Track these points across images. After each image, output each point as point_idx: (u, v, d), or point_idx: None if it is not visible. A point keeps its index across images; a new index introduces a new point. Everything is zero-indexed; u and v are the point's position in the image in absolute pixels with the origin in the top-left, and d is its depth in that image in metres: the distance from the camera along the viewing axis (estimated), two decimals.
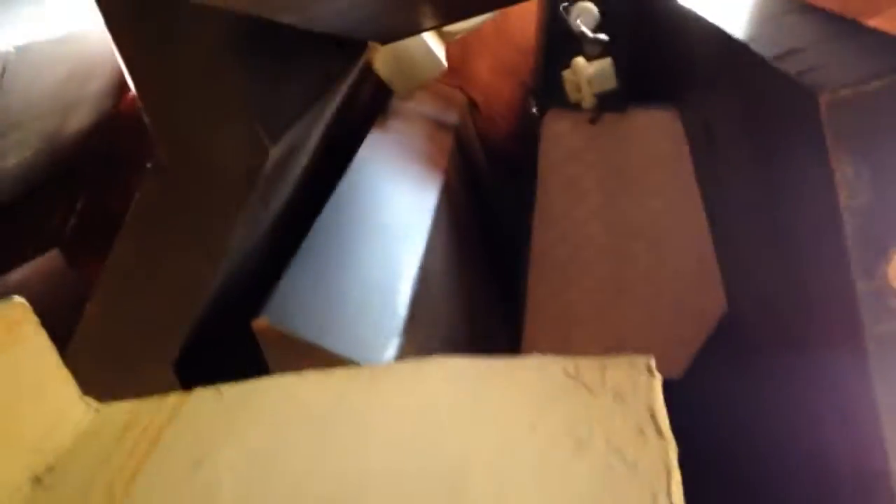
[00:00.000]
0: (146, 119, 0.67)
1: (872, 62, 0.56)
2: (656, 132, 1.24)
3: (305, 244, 0.79)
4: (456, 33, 1.27)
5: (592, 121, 1.23)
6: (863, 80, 0.53)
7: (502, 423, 0.40)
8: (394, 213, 0.94)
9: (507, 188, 1.62)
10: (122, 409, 0.48)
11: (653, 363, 0.44)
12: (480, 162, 1.58)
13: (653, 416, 0.40)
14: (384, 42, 1.07)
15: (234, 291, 0.80)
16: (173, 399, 0.48)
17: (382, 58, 1.16)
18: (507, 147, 1.64)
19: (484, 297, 1.32)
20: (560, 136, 1.24)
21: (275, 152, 0.69)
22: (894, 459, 0.61)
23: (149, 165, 0.69)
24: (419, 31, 1.10)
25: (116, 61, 1.43)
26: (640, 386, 0.42)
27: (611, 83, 1.17)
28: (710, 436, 1.09)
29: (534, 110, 1.25)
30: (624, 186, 1.28)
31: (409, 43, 1.16)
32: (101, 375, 0.75)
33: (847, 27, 0.66)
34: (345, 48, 0.97)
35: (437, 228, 0.96)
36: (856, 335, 0.60)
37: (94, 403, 0.49)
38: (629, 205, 1.28)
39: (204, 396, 0.47)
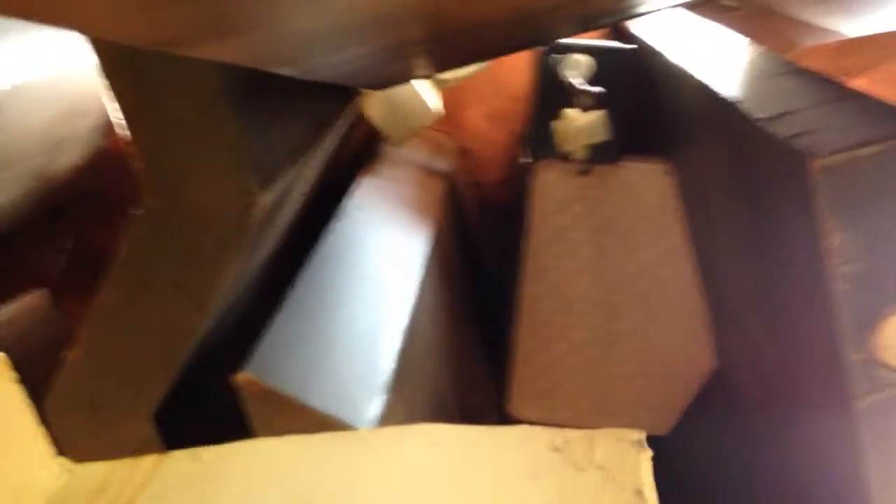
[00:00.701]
0: (137, 162, 0.67)
1: (865, 128, 0.56)
2: (647, 185, 1.25)
3: (292, 295, 0.78)
4: (449, 81, 1.28)
5: (583, 172, 1.23)
6: (855, 145, 0.53)
7: (488, 496, 0.39)
8: (383, 264, 0.93)
9: (498, 237, 1.62)
10: (95, 471, 0.47)
11: (642, 437, 0.43)
12: (471, 209, 1.59)
13: (640, 495, 0.39)
14: (378, 89, 1.08)
15: (218, 342, 0.80)
16: (148, 462, 0.47)
17: (375, 104, 1.16)
18: (498, 195, 1.65)
19: (471, 349, 1.31)
20: (551, 185, 1.24)
21: (265, 201, 0.68)
22: None
23: (137, 210, 0.69)
24: (412, 78, 1.11)
25: (107, 100, 1.43)
26: (629, 462, 0.41)
27: (603, 135, 1.18)
28: (697, 494, 1.08)
29: (525, 159, 1.26)
30: (614, 239, 1.28)
31: (403, 90, 1.17)
32: (79, 424, 0.74)
33: (839, 91, 0.66)
34: (337, 95, 0.97)
35: (426, 280, 0.95)
36: (844, 405, 0.59)
37: (67, 464, 0.48)
38: (619, 257, 1.28)
39: (180, 460, 0.46)
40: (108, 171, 1.52)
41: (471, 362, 1.29)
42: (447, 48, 0.85)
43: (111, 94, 0.67)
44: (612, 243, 1.28)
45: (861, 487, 0.60)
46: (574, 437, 0.43)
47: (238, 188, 0.67)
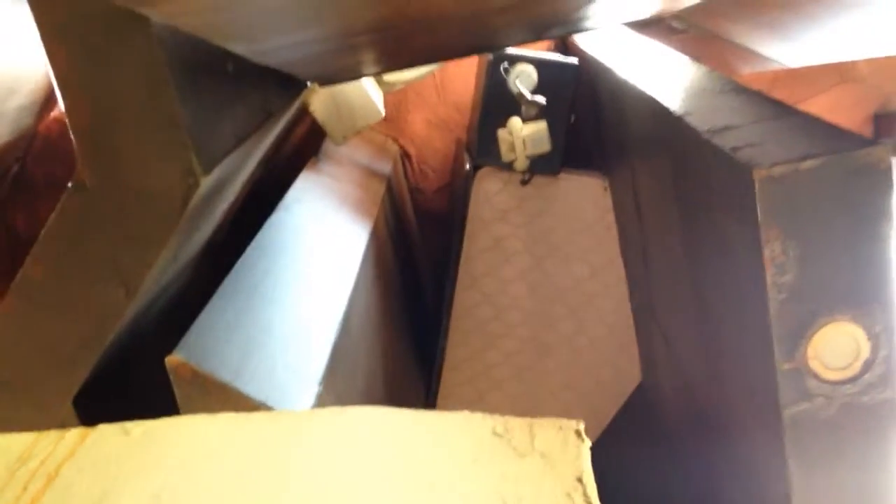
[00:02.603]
0: (72, 135, 0.65)
1: (806, 142, 0.58)
2: (584, 198, 1.27)
3: (228, 282, 0.76)
4: (395, 84, 1.28)
5: (524, 182, 1.25)
6: (797, 158, 0.55)
7: (429, 478, 0.39)
8: (320, 258, 0.92)
9: (435, 243, 1.62)
10: (17, 441, 0.45)
11: (581, 427, 0.44)
12: (409, 214, 1.58)
13: (581, 482, 0.39)
14: (324, 84, 1.07)
15: (147, 326, 0.77)
16: (74, 434, 0.45)
17: (320, 101, 1.16)
18: (437, 202, 1.65)
19: (403, 351, 1.30)
20: (490, 194, 1.25)
21: (206, 182, 0.67)
22: None
23: (70, 184, 0.66)
24: (359, 76, 1.10)
25: (41, 80, 1.38)
26: (570, 450, 0.41)
27: (544, 146, 1.19)
28: None
29: (467, 167, 1.26)
30: (550, 250, 1.29)
31: (348, 88, 1.16)
32: None
33: (780, 108, 0.68)
34: (285, 86, 0.96)
35: (362, 277, 0.94)
36: (771, 413, 0.61)
37: None
38: (554, 269, 1.30)
39: (108, 433, 0.45)
40: (34, 153, 1.47)
41: (402, 363, 1.28)
42: (395, 45, 0.84)
43: (49, 63, 0.65)
44: (547, 255, 1.29)
45: (785, 494, 0.62)
46: (515, 423, 0.43)
47: (181, 168, 0.65)
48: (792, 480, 0.60)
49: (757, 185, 0.55)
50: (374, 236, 1.08)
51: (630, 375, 1.30)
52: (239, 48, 0.62)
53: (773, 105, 0.70)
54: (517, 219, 1.28)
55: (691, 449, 0.98)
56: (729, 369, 0.73)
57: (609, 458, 1.21)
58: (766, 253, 0.56)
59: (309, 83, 1.08)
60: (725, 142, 0.63)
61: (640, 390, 1.29)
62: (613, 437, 1.30)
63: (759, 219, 0.56)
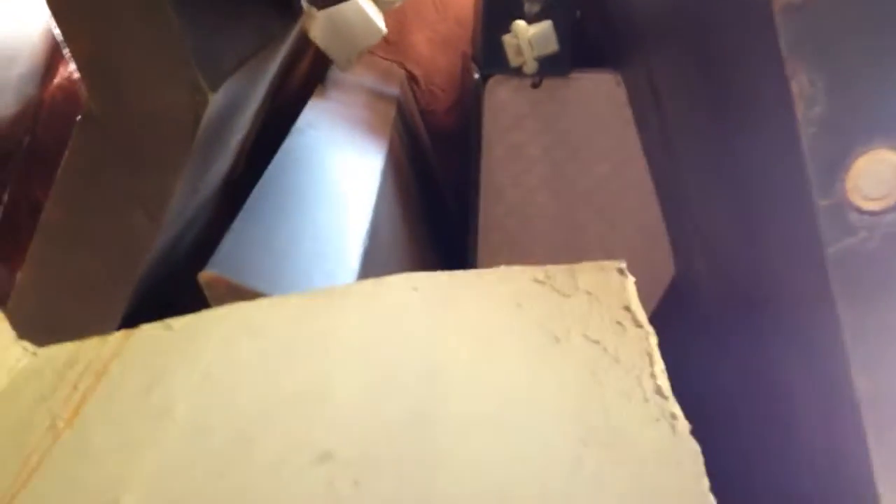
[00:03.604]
0: (76, 67, 0.64)
1: None
2: (599, 96, 1.24)
3: (252, 200, 0.76)
4: (393, 1, 1.25)
5: (535, 85, 1.22)
6: None
7: (475, 326, 0.38)
8: (340, 174, 0.92)
9: (450, 162, 1.60)
10: (62, 349, 0.45)
11: (623, 265, 0.43)
12: (422, 135, 1.57)
13: (629, 310, 0.38)
14: (320, 7, 1.05)
15: (178, 253, 0.77)
16: (119, 335, 0.45)
17: (320, 26, 1.14)
18: (448, 121, 1.63)
19: (432, 264, 1.30)
20: (503, 102, 1.23)
21: (216, 100, 0.66)
22: (859, 380, 0.61)
23: (79, 118, 0.66)
24: None
25: (40, 46, 1.37)
26: (613, 285, 0.41)
27: (552, 46, 1.17)
28: None
29: (475, 77, 1.24)
30: (570, 153, 1.27)
31: (346, 9, 1.14)
32: (39, 346, 0.71)
33: None
34: (281, 9, 0.94)
35: (384, 190, 0.94)
36: (814, 256, 0.59)
37: (31, 347, 0.46)
38: (576, 172, 1.28)
39: (151, 330, 0.45)
40: (43, 121, 1.46)
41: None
42: None
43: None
44: (567, 158, 1.27)
45: (834, 339, 0.61)
46: (555, 270, 0.42)
47: (186, 87, 0.65)
48: (842, 321, 0.60)
49: (777, 16, 0.53)
50: (390, 154, 1.08)
51: (664, 269, 1.29)
52: None
53: None
54: (533, 124, 1.26)
55: (735, 328, 0.97)
56: (765, 225, 0.72)
57: None
58: (794, 87, 0.54)
59: (305, 6, 1.06)
60: None
61: (674, 283, 1.28)
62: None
63: (783, 52, 0.54)
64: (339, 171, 0.93)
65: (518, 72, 1.19)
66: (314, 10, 1.09)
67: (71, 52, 0.64)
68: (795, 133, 0.55)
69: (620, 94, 1.24)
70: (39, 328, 0.71)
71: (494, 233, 1.31)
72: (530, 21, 1.17)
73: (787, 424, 0.82)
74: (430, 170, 1.54)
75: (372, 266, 0.77)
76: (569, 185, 1.29)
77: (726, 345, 1.03)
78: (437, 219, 1.45)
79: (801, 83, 0.54)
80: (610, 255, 1.23)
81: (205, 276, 0.63)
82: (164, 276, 0.76)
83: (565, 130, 1.26)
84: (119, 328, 0.71)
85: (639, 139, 1.25)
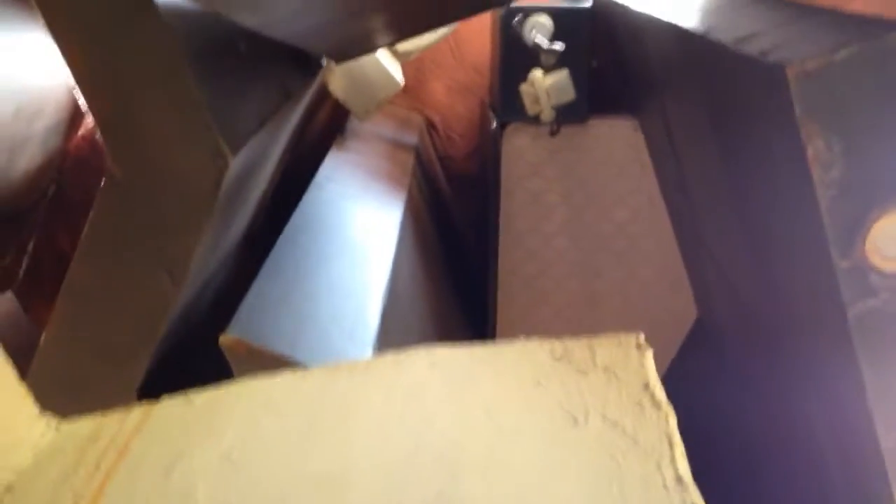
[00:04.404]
0: (98, 131, 0.65)
1: (835, 35, 0.56)
2: (616, 142, 1.25)
3: (271, 259, 0.77)
4: (411, 53, 1.27)
5: (552, 133, 1.23)
6: (828, 50, 0.53)
7: (494, 405, 0.38)
8: (359, 228, 0.92)
9: (471, 209, 1.61)
10: (85, 424, 0.45)
11: (642, 338, 0.43)
12: (441, 182, 1.58)
13: (648, 389, 0.38)
14: (339, 60, 1.07)
15: (198, 311, 0.78)
16: (140, 410, 0.45)
17: (338, 79, 1.15)
18: (466, 166, 1.64)
19: (452, 315, 1.30)
20: (521, 150, 1.24)
21: (236, 162, 0.67)
22: (884, 436, 0.60)
23: (103, 180, 0.67)
24: (372, 48, 1.10)
25: (65, 99, 1.40)
26: (632, 361, 0.40)
27: (569, 94, 1.17)
28: (694, 446, 1.08)
29: (493, 126, 1.25)
30: (588, 199, 1.28)
31: (365, 63, 1.16)
32: (61, 406, 0.72)
33: (805, 9, 0.66)
34: (300, 65, 0.96)
35: (403, 243, 0.94)
36: (835, 314, 0.59)
37: (54, 422, 0.47)
38: (595, 217, 1.29)
39: (172, 405, 0.45)
40: (68, 172, 1.49)
41: (453, 328, 1.28)
42: (403, 7, 0.84)
43: (65, 62, 0.65)
44: (586, 204, 1.28)
45: (858, 397, 0.60)
46: (573, 345, 0.42)
47: (207, 150, 0.66)
48: (865, 380, 0.59)
49: (792, 84, 0.54)
50: (409, 205, 1.08)
51: (686, 312, 1.29)
52: (244, 18, 0.61)
53: (796, 7, 0.68)
54: (551, 171, 1.27)
55: (759, 373, 0.97)
56: (786, 281, 0.72)
57: (676, 397, 1.20)
58: (810, 151, 0.54)
59: (324, 61, 1.08)
60: (753, 48, 0.61)
61: (698, 325, 1.27)
62: (677, 376, 1.28)
63: (798, 117, 0.54)
64: (358, 224, 0.93)
65: (536, 120, 1.20)
66: (333, 64, 1.11)
67: (93, 116, 0.65)
68: (813, 195, 0.55)
69: (638, 139, 1.24)
70: (62, 390, 0.72)
71: (514, 278, 1.31)
72: (547, 70, 1.18)
73: (810, 472, 0.81)
74: (449, 215, 1.55)
75: (391, 322, 0.77)
76: (588, 230, 1.29)
77: (750, 389, 1.03)
78: (456, 264, 1.46)
79: (817, 147, 0.54)
80: (630, 301, 1.23)
81: (226, 339, 0.63)
82: (185, 334, 0.77)
83: (583, 176, 1.27)
84: (140, 388, 0.72)
85: (657, 184, 1.25)
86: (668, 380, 1.19)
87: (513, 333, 1.31)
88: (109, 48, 0.63)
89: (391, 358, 0.45)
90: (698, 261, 1.15)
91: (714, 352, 1.18)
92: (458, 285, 1.40)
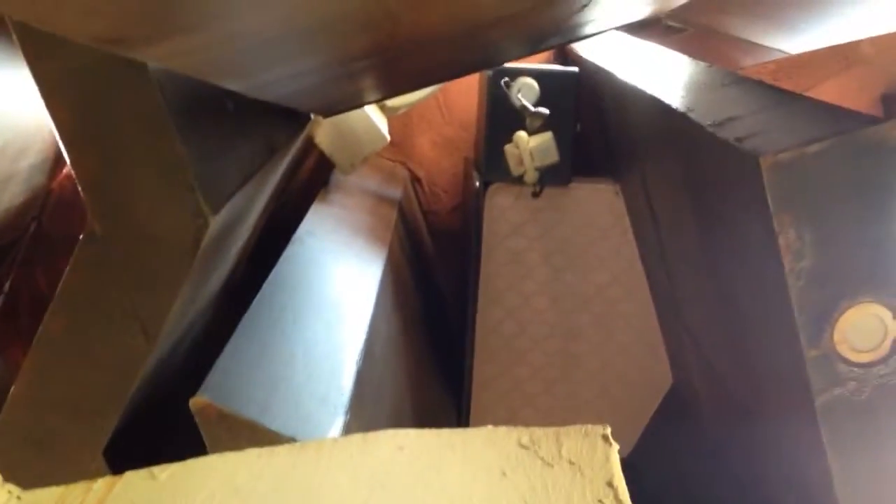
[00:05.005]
0: (79, 186, 0.65)
1: (811, 127, 0.57)
2: (598, 205, 1.26)
3: (246, 319, 0.77)
4: (398, 108, 1.28)
5: (535, 194, 1.24)
6: (802, 143, 0.54)
7: (458, 496, 0.38)
8: (337, 287, 0.92)
9: (452, 264, 1.62)
10: (47, 496, 0.45)
11: (608, 432, 0.43)
12: (423, 236, 1.59)
13: (611, 486, 0.39)
14: (326, 115, 1.08)
15: (171, 369, 0.78)
16: (102, 483, 0.45)
17: (325, 132, 1.16)
18: (451, 222, 1.65)
19: (429, 373, 1.30)
20: (503, 209, 1.25)
21: (216, 222, 0.67)
22: None
23: (82, 236, 0.67)
24: (360, 104, 1.11)
25: (51, 138, 1.40)
26: (597, 456, 0.41)
27: (552, 157, 1.19)
28: None
29: (477, 184, 1.26)
30: (568, 260, 1.29)
31: (352, 117, 1.17)
32: (27, 461, 0.71)
33: (783, 96, 0.68)
34: (287, 121, 0.96)
35: (381, 302, 0.94)
36: (803, 402, 0.60)
37: (16, 490, 0.46)
38: (575, 279, 1.29)
39: (135, 479, 0.45)
40: (50, 211, 1.48)
41: (431, 385, 1.28)
42: (391, 69, 0.85)
43: (51, 117, 0.65)
44: (565, 265, 1.29)
45: (825, 483, 0.61)
46: (541, 434, 0.43)
47: (188, 210, 0.66)
48: (831, 466, 0.59)
49: (765, 174, 0.55)
50: (390, 261, 1.09)
51: (661, 377, 1.29)
52: (235, 85, 0.62)
53: (774, 93, 0.70)
54: (532, 231, 1.28)
55: (730, 443, 0.97)
56: (757, 361, 0.72)
57: (649, 460, 1.20)
58: (782, 240, 0.56)
59: (312, 116, 1.09)
60: (730, 133, 0.63)
61: (672, 391, 1.27)
62: (651, 440, 1.28)
63: (771, 207, 0.55)
64: (337, 281, 0.94)
65: (519, 180, 1.22)
66: (320, 118, 1.12)
67: (76, 173, 0.66)
68: (784, 284, 0.56)
69: (619, 204, 1.26)
70: (28, 444, 0.71)
71: (491, 337, 1.31)
72: (532, 132, 1.20)
73: None
74: (430, 270, 1.55)
75: (366, 384, 0.77)
76: (567, 291, 1.30)
77: (721, 458, 1.03)
78: (435, 320, 1.46)
79: (789, 237, 0.55)
80: (607, 364, 1.23)
81: (196, 402, 0.63)
82: (156, 392, 0.76)
83: (564, 238, 1.28)
84: (108, 446, 0.71)
85: (637, 249, 1.26)
86: (642, 444, 1.20)
87: (489, 393, 1.31)
88: (97, 106, 0.64)
89: (359, 438, 0.45)
90: (674, 329, 1.16)
91: (688, 418, 1.19)
92: (435, 341, 1.39)
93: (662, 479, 1.22)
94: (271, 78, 0.65)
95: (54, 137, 1.43)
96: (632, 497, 0.41)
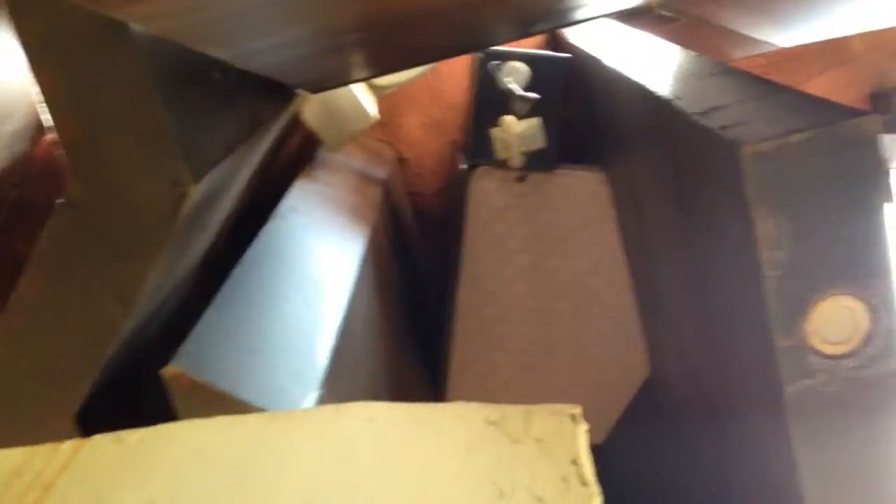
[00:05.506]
0: (61, 150, 0.65)
1: (794, 118, 0.58)
2: (582, 193, 1.26)
3: (224, 291, 0.77)
4: (387, 87, 1.28)
5: (520, 179, 1.25)
6: (784, 133, 0.55)
7: (424, 471, 0.39)
8: (318, 264, 0.92)
9: (435, 246, 1.62)
10: (11, 456, 0.45)
11: (578, 411, 0.43)
12: (408, 218, 1.58)
13: (576, 464, 0.39)
14: (314, 91, 1.07)
15: (145, 340, 0.77)
16: (69, 445, 0.45)
17: (312, 108, 1.16)
18: (435, 205, 1.65)
19: (407, 354, 1.30)
20: (488, 193, 1.25)
21: (197, 191, 0.67)
22: None
23: (60, 200, 0.66)
24: (349, 81, 1.10)
25: (33, 104, 1.39)
26: (565, 434, 0.41)
27: (539, 142, 1.19)
28: (633, 499, 1.09)
29: (462, 167, 1.26)
30: (550, 247, 1.29)
31: (340, 94, 1.16)
32: None
33: (769, 87, 0.68)
34: (275, 94, 0.96)
35: (361, 281, 0.94)
36: (774, 391, 0.60)
37: None
38: (555, 265, 1.30)
39: (103, 442, 0.45)
40: (32, 178, 1.47)
41: (407, 366, 1.28)
42: (381, 46, 0.85)
43: (34, 79, 0.65)
44: (547, 251, 1.29)
45: (792, 476, 0.62)
46: (510, 411, 0.43)
47: (169, 178, 0.66)
48: (798, 459, 0.60)
49: (745, 162, 0.55)
50: (373, 241, 1.09)
51: (638, 369, 1.30)
52: (221, 53, 0.62)
53: (761, 84, 0.70)
54: (516, 217, 1.28)
55: (699, 436, 0.98)
56: (730, 351, 0.73)
57: (621, 451, 1.21)
58: (759, 230, 0.56)
59: (299, 91, 1.08)
60: (714, 122, 0.63)
61: (648, 383, 1.28)
62: (624, 431, 1.29)
63: (750, 196, 0.56)
64: (318, 259, 0.94)
65: (504, 164, 1.22)
66: (307, 94, 1.12)
67: (58, 136, 0.65)
68: (759, 274, 0.57)
69: (604, 192, 1.26)
70: None
71: (471, 320, 1.31)
72: (519, 117, 1.20)
73: None
74: (413, 253, 1.55)
75: (343, 362, 0.77)
76: (548, 278, 1.30)
77: (691, 451, 1.04)
78: (416, 302, 1.46)
79: (767, 227, 0.56)
80: (584, 352, 1.24)
81: (168, 371, 0.63)
82: (131, 361, 0.76)
83: (548, 224, 1.28)
84: (79, 414, 0.71)
85: (619, 237, 1.27)
86: (615, 434, 1.20)
87: (465, 376, 1.31)
88: (80, 70, 0.63)
89: (330, 409, 0.45)
90: (654, 319, 1.17)
91: (662, 410, 1.20)
92: (415, 323, 1.40)
93: (633, 469, 1.23)
94: (258, 47, 0.64)
95: (38, 104, 1.42)
96: (601, 484, 0.41)
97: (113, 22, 0.60)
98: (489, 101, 1.22)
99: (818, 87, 1.45)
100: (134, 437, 0.44)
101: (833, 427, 0.59)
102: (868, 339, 0.57)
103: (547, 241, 1.29)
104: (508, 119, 1.18)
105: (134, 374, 0.77)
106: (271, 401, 0.64)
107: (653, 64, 0.93)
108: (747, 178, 0.55)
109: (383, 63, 1.03)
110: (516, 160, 1.21)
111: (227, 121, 0.81)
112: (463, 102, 1.51)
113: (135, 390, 0.77)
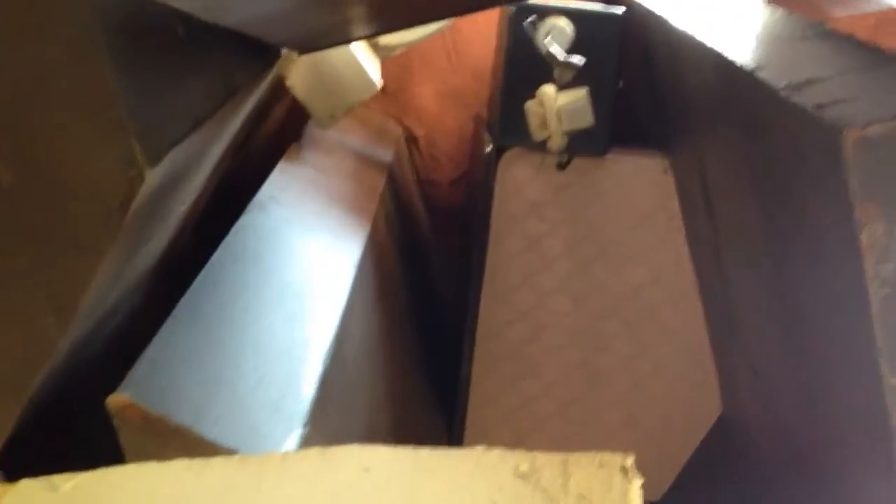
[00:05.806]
0: None
1: None
2: (640, 184, 1.26)
3: (185, 302, 0.77)
4: (394, 48, 1.28)
5: (561, 165, 1.24)
6: None
7: None
8: (304, 269, 0.93)
9: (450, 248, 1.62)
10: None
11: (630, 462, 0.43)
12: (418, 212, 1.59)
13: None
14: (303, 51, 1.07)
15: (86, 362, 0.78)
16: None
17: (300, 73, 1.16)
18: (452, 195, 1.65)
19: (414, 382, 1.30)
20: (520, 182, 1.25)
21: (154, 175, 0.67)
22: None
23: None
24: (346, 40, 1.11)
25: None
26: (613, 490, 0.41)
27: (586, 119, 1.19)
28: None
29: (488, 149, 1.26)
30: (599, 252, 1.29)
31: (335, 56, 1.16)
32: None
33: (877, 57, 0.68)
34: (253, 55, 0.96)
35: (358, 291, 0.94)
36: (882, 440, 0.60)
37: None
38: (605, 275, 1.29)
39: (31, 489, 0.45)
40: None
41: (414, 398, 1.28)
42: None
43: None
44: (595, 257, 1.29)
45: None
46: (544, 461, 0.43)
47: (119, 157, 0.66)
48: None
49: (848, 150, 0.55)
50: (373, 241, 1.09)
51: (707, 406, 1.29)
52: (186, 4, 0.62)
53: (867, 52, 0.70)
54: (554, 213, 1.28)
55: (786, 491, 0.97)
56: (827, 391, 0.72)
57: None
58: (864, 236, 0.55)
59: (284, 51, 1.08)
60: (808, 99, 0.63)
61: (720, 423, 1.28)
62: (689, 483, 1.29)
63: (853, 193, 0.55)
64: (304, 263, 0.94)
65: (541, 147, 1.21)
66: (294, 54, 1.12)
67: None
68: (864, 292, 0.56)
69: (668, 183, 1.25)
70: None
71: (495, 341, 1.31)
72: (561, 87, 1.19)
73: None
74: (425, 255, 1.55)
75: (332, 393, 0.77)
76: (595, 290, 1.30)
77: (778, 501, 1.03)
78: (427, 317, 1.46)
79: (874, 233, 0.55)
80: (639, 384, 1.24)
81: (115, 401, 0.63)
82: (67, 387, 0.76)
83: (595, 224, 1.28)
84: (4, 449, 0.71)
85: (686, 241, 1.26)
86: (678, 487, 1.20)
87: (488, 412, 1.31)
88: (15, 24, 0.64)
89: (315, 454, 0.45)
90: (728, 346, 1.16)
91: (738, 458, 1.19)
92: (426, 345, 1.40)
93: None
94: None
95: None
96: None
97: None
98: (523, 66, 1.22)
99: None
100: (69, 484, 0.44)
101: None
102: None
103: (594, 245, 1.29)
104: (548, 89, 1.18)
105: (71, 404, 0.77)
106: (243, 439, 0.64)
107: (730, 24, 0.92)
108: (850, 169, 0.55)
109: (390, 18, 1.03)
110: (557, 142, 1.20)
111: (193, 87, 0.81)
112: (490, 68, 1.51)
113: (72, 424, 0.77)
